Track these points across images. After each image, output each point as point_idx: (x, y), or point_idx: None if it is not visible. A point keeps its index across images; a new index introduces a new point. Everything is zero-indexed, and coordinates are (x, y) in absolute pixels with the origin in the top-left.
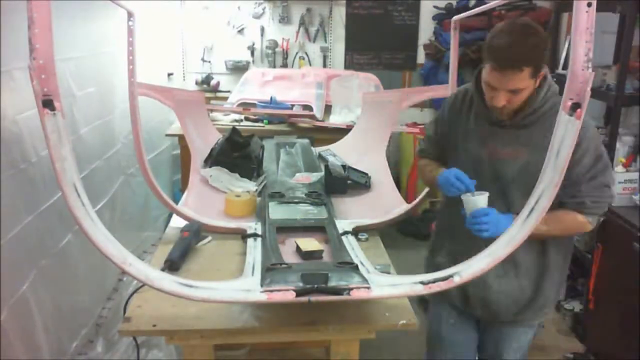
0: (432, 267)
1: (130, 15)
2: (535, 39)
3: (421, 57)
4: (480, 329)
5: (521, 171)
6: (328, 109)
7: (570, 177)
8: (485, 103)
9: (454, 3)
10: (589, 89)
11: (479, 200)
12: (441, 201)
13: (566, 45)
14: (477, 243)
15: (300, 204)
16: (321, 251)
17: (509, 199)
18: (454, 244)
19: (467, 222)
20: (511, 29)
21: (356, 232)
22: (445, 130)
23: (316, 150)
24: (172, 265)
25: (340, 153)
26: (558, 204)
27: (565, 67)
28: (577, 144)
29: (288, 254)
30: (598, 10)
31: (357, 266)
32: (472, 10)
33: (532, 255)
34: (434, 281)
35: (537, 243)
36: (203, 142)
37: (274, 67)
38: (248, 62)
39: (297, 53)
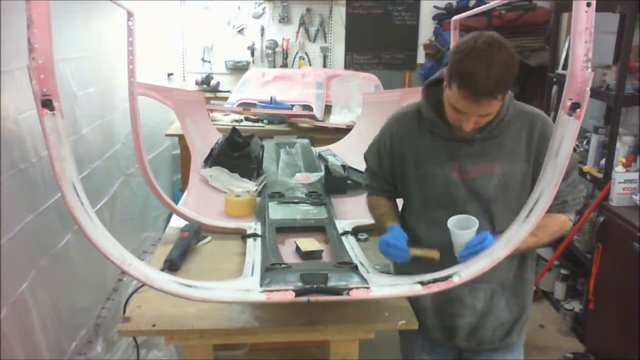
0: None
1: (130, 15)
2: (506, 56)
3: (421, 57)
4: None
5: (499, 185)
6: (328, 109)
7: None
8: (445, 120)
9: (454, 3)
10: (588, 89)
11: (470, 234)
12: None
13: (566, 45)
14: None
15: (300, 204)
16: (321, 251)
17: (491, 216)
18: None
19: (460, 256)
20: (482, 50)
21: (356, 232)
22: (392, 161)
23: (316, 150)
24: (172, 265)
25: (340, 153)
26: None
27: (565, 67)
28: (544, 139)
29: (288, 254)
30: (598, 10)
31: (356, 266)
32: (472, 10)
33: (513, 272)
34: (434, 281)
35: (517, 258)
36: (203, 142)
37: (274, 67)
38: (248, 62)
39: (297, 53)
